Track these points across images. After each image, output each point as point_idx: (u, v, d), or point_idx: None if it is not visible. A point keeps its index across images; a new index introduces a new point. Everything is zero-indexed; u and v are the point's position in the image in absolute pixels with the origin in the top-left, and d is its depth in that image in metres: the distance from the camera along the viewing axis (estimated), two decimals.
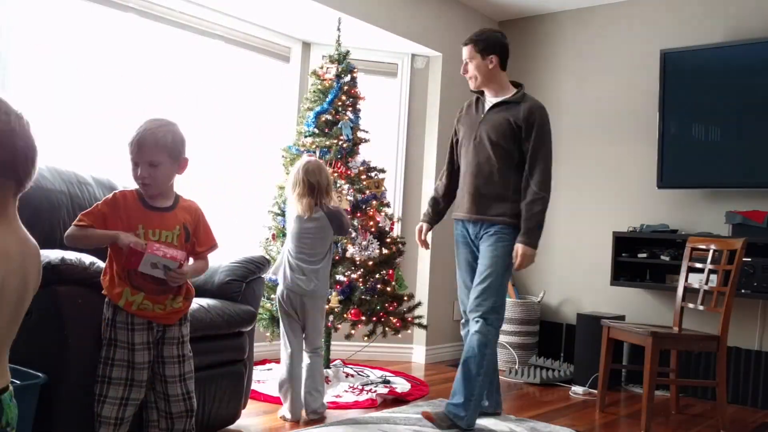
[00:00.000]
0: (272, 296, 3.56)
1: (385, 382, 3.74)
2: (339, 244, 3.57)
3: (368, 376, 3.82)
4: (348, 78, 3.82)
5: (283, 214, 3.75)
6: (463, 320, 3.18)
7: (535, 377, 4.17)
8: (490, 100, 3.12)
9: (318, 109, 3.73)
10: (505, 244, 2.99)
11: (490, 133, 3.03)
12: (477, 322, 2.94)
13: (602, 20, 4.69)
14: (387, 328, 3.67)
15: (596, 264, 4.52)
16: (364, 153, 3.85)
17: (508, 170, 3.02)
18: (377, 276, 3.66)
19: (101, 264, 2.24)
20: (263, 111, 4.41)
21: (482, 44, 3.06)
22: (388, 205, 3.85)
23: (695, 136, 4.13)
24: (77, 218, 2.08)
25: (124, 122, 3.64)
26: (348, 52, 3.85)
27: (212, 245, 2.26)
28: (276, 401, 3.24)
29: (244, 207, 4.26)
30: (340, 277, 3.58)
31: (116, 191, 2.17)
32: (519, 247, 2.94)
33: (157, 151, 2.05)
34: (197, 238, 2.21)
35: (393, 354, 4.60)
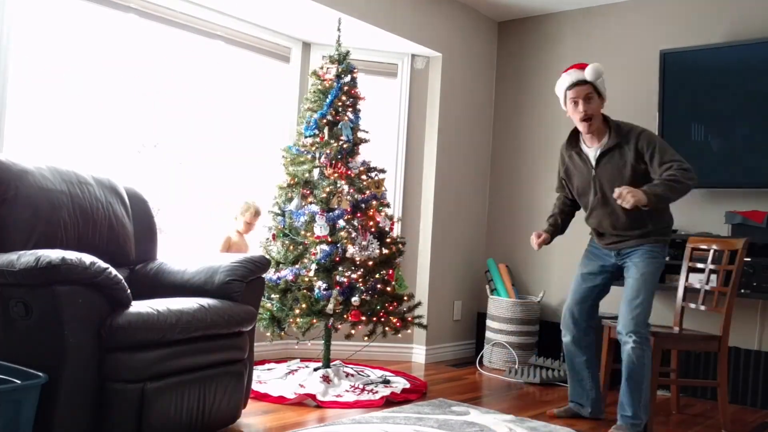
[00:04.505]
0: (272, 296, 3.56)
1: (386, 382, 3.74)
2: (339, 244, 3.57)
3: (368, 376, 3.82)
4: (348, 78, 3.82)
5: (283, 214, 3.74)
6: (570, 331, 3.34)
7: (535, 377, 4.17)
8: (590, 149, 3.09)
9: (317, 115, 3.73)
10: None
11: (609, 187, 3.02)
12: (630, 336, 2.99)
13: (602, 20, 4.69)
14: (387, 328, 3.67)
15: None
16: (364, 153, 3.85)
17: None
18: (377, 276, 3.66)
19: (102, 264, 2.25)
20: (263, 111, 4.41)
21: (603, 86, 2.93)
22: (388, 205, 3.84)
23: (695, 136, 4.12)
24: None
25: (124, 122, 3.66)
26: (348, 52, 3.85)
27: None
28: (276, 401, 3.24)
29: None
30: (340, 278, 3.58)
31: None
32: (635, 190, 2.79)
33: None
34: None
35: (393, 354, 4.60)
